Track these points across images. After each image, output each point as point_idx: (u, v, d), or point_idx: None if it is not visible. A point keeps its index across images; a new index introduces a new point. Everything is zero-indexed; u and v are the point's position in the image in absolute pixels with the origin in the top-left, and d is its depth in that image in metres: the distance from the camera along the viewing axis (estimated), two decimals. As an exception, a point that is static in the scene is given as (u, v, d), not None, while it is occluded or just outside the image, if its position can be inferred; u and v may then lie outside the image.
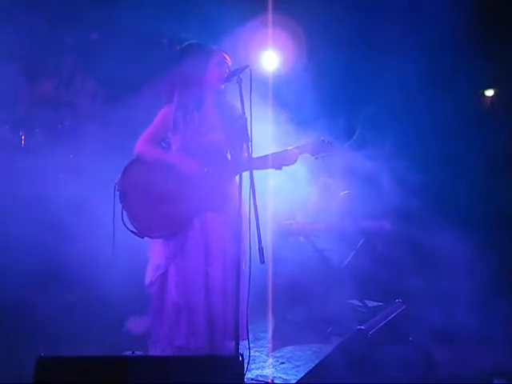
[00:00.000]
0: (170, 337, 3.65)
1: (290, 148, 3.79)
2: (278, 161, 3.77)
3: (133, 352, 4.14)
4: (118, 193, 3.71)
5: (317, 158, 3.84)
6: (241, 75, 3.54)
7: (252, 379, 4.21)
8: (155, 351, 3.72)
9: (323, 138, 3.84)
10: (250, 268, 3.49)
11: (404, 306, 4.07)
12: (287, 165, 3.80)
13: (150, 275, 3.75)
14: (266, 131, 4.34)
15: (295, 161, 3.80)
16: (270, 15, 5.76)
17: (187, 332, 3.62)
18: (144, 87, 6.08)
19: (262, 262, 3.33)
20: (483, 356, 4.63)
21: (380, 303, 6.07)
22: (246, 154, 3.49)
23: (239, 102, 3.46)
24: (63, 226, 5.61)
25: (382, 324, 3.74)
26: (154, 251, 3.77)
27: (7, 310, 5.27)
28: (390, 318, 3.87)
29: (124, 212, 3.69)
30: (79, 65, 6.80)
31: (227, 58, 3.83)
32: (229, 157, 3.82)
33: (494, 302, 5.34)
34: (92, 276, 5.39)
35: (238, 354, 3.25)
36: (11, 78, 5.98)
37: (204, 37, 6.39)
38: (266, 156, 3.77)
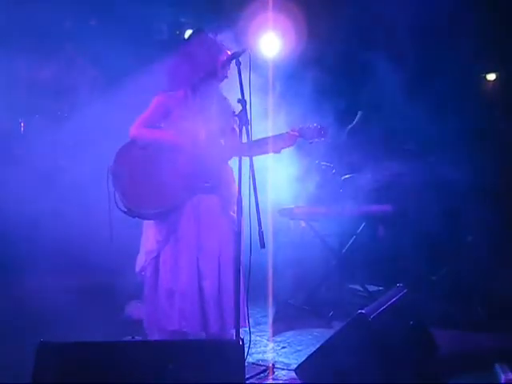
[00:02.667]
0: (163, 321, 3.63)
1: (286, 132, 3.79)
2: (277, 143, 3.77)
3: (132, 337, 4.14)
4: (110, 176, 3.68)
5: (311, 143, 3.86)
6: (240, 58, 3.52)
7: (253, 363, 4.21)
8: (152, 336, 3.73)
9: (316, 124, 3.85)
10: (250, 254, 3.50)
11: (405, 291, 4.06)
12: (286, 147, 3.81)
13: (141, 260, 3.74)
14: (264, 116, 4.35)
15: (294, 143, 3.81)
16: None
17: (181, 316, 3.59)
18: (144, 72, 6.06)
19: (263, 246, 3.32)
20: (484, 340, 4.63)
21: (381, 288, 6.08)
22: (246, 138, 3.48)
23: (238, 85, 3.44)
24: (62, 212, 5.61)
25: (382, 308, 3.73)
26: (147, 236, 3.77)
27: (8, 297, 5.29)
28: (390, 302, 3.86)
29: (116, 193, 3.67)
30: (78, 50, 6.77)
31: (224, 42, 3.81)
32: (223, 142, 3.80)
33: (495, 286, 5.35)
34: (91, 262, 5.40)
35: (238, 338, 3.26)
36: (11, 64, 5.96)
37: (203, 21, 6.39)
38: (263, 139, 3.76)
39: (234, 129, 3.72)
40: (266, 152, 3.82)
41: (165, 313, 3.63)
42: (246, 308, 3.53)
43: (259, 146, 3.72)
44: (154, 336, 3.72)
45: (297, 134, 3.79)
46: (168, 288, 3.64)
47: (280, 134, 3.79)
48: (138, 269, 3.76)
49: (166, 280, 3.65)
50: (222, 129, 3.74)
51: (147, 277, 3.71)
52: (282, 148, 3.81)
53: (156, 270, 3.69)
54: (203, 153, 3.69)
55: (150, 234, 3.75)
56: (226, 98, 3.80)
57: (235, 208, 3.43)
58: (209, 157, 3.69)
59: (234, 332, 3.43)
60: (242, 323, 3.45)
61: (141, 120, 3.80)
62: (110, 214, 3.69)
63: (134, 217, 3.71)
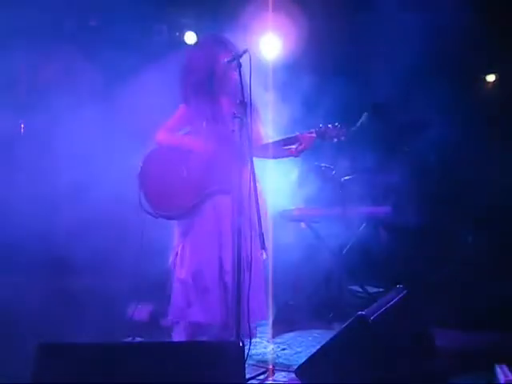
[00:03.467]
0: (185, 314, 3.76)
1: (302, 133, 3.81)
2: (295, 146, 3.81)
3: (133, 338, 4.15)
4: (137, 180, 3.86)
5: (329, 142, 3.88)
6: (240, 60, 3.54)
7: (253, 365, 4.21)
8: (176, 329, 3.86)
9: (337, 123, 3.87)
10: (251, 256, 3.54)
11: (405, 292, 4.06)
12: (304, 149, 3.84)
13: (171, 257, 3.91)
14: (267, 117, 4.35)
15: (311, 144, 3.83)
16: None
17: (201, 309, 3.72)
18: (144, 74, 6.07)
19: (263, 247, 3.36)
20: (484, 341, 4.63)
21: (381, 289, 6.08)
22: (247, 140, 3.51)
23: (239, 86, 3.46)
24: (67, 211, 5.61)
25: (383, 310, 3.73)
26: (174, 233, 3.94)
27: (9, 297, 5.28)
28: (391, 303, 3.86)
29: (141, 195, 3.84)
30: (79, 51, 6.76)
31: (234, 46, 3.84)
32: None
33: (494, 287, 5.35)
34: (94, 263, 5.40)
35: (238, 339, 3.26)
36: (11, 63, 5.96)
37: (204, 22, 6.40)
38: (279, 141, 3.81)
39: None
40: (283, 155, 3.87)
41: (185, 305, 3.76)
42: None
43: (276, 148, 3.78)
44: (178, 328, 3.85)
45: (314, 134, 3.80)
46: (183, 281, 3.77)
47: (294, 136, 3.81)
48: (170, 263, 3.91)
49: (182, 273, 3.78)
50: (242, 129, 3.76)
51: (173, 271, 3.87)
52: (301, 150, 3.84)
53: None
54: (223, 155, 3.77)
55: (175, 231, 3.93)
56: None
57: (253, 208, 3.50)
58: (228, 159, 3.74)
59: (254, 326, 3.71)
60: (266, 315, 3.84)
61: (165, 127, 3.99)
62: (142, 221, 3.83)
63: (157, 217, 3.86)
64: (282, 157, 3.95)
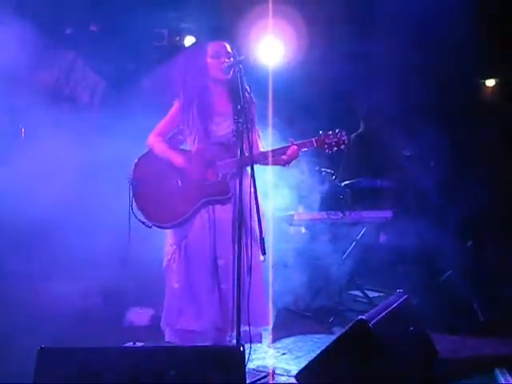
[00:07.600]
0: (176, 320, 3.78)
1: (296, 142, 3.78)
2: (284, 156, 3.79)
3: (134, 343, 4.15)
4: (130, 186, 3.83)
5: (329, 152, 3.80)
6: (240, 65, 3.55)
7: (253, 370, 4.21)
8: (167, 334, 3.87)
9: (337, 130, 3.79)
10: (250, 260, 3.54)
11: (405, 296, 4.06)
12: (291, 161, 3.82)
13: (164, 262, 3.89)
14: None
15: (297, 156, 3.80)
16: (270, 3, 5.71)
17: (192, 316, 3.73)
18: (144, 79, 6.08)
19: (263, 253, 3.36)
20: (484, 345, 4.63)
21: (381, 293, 6.08)
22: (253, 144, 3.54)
23: (240, 91, 3.48)
24: (64, 216, 5.61)
25: (383, 314, 3.73)
26: (166, 239, 3.91)
27: (7, 302, 5.28)
28: (391, 308, 3.86)
29: (134, 202, 3.82)
30: (79, 57, 6.77)
31: (227, 46, 3.82)
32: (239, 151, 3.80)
33: (495, 291, 5.36)
34: (94, 267, 5.41)
35: (239, 344, 3.27)
36: (11, 68, 5.96)
37: (204, 27, 6.42)
38: (269, 151, 3.79)
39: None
40: (271, 164, 3.83)
41: (175, 311, 3.78)
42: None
43: (268, 157, 3.75)
44: (169, 333, 3.85)
45: (298, 146, 3.77)
46: (175, 287, 3.79)
47: (282, 147, 3.80)
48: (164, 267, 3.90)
49: (175, 279, 3.79)
50: (239, 131, 3.74)
51: (166, 277, 3.86)
52: (288, 162, 3.81)
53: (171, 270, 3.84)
54: (216, 165, 3.75)
55: (168, 237, 3.89)
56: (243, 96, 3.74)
57: (252, 216, 3.52)
58: (222, 169, 3.75)
59: (260, 330, 3.77)
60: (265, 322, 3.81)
61: (158, 129, 3.94)
62: (129, 222, 3.85)
63: (150, 227, 3.83)
64: (269, 164, 3.86)
